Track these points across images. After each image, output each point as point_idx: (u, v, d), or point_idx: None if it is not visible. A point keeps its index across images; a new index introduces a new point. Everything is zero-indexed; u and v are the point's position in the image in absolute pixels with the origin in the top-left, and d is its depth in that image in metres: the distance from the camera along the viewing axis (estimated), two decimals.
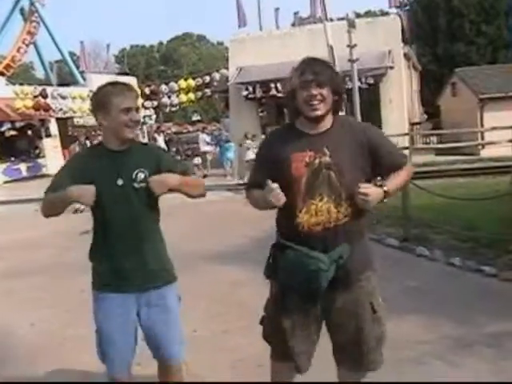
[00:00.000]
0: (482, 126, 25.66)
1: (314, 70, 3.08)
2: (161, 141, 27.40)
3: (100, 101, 3.37)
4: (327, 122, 3.18)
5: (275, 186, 3.01)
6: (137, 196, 3.37)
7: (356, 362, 3.35)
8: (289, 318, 3.30)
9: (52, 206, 3.43)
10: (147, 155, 3.47)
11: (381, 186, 3.08)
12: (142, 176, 3.37)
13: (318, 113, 3.09)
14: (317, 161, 3.08)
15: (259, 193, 3.18)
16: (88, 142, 14.40)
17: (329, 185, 3.10)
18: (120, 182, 3.36)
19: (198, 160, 24.41)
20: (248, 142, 22.15)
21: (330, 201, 3.11)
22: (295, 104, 3.16)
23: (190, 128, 46.42)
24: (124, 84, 3.43)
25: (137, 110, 3.40)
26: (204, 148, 24.54)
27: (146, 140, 28.69)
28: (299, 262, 3.09)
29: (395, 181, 3.20)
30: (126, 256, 3.42)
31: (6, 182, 28.20)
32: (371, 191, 3.01)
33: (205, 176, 22.41)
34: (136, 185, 3.36)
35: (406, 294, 6.55)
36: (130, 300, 3.47)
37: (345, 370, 3.44)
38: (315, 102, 3.07)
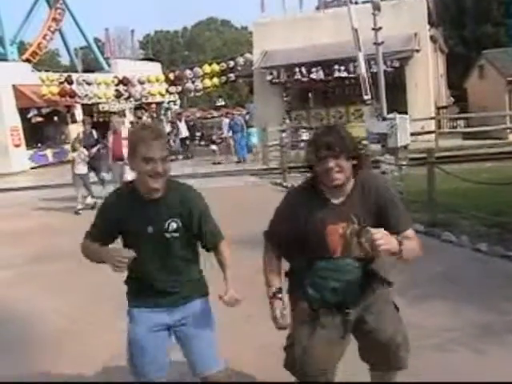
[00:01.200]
0: (510, 109, 25.27)
1: (327, 143, 3.14)
2: (182, 127, 27.22)
3: (130, 146, 3.32)
4: (349, 187, 3.27)
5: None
6: (168, 244, 3.38)
7: (387, 362, 3.45)
8: (321, 337, 3.35)
9: (91, 257, 3.57)
10: (181, 202, 3.40)
11: (400, 242, 3.04)
12: (174, 226, 3.36)
13: (338, 182, 3.19)
14: (348, 231, 3.09)
15: (272, 266, 3.53)
16: (94, 130, 14.54)
17: (361, 249, 3.09)
18: (150, 229, 3.35)
19: (214, 146, 24.66)
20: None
21: (361, 262, 3.26)
22: (315, 173, 3.27)
23: (215, 113, 46.36)
24: (152, 131, 3.28)
25: (163, 159, 3.24)
26: (228, 133, 24.48)
27: (168, 127, 28.66)
28: (330, 274, 3.26)
29: (410, 244, 3.15)
30: (155, 276, 3.45)
31: (32, 168, 28.46)
32: (388, 239, 2.97)
33: (218, 163, 22.95)
34: (167, 235, 3.35)
35: (431, 279, 6.49)
36: (161, 316, 3.50)
37: (377, 372, 3.56)
38: (333, 174, 3.15)
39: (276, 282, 3.44)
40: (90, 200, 13.95)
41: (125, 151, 11.39)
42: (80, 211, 13.36)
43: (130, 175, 10.38)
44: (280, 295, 3.39)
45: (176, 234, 3.37)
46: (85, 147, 14.12)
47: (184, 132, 27.28)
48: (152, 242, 3.36)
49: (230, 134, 23.87)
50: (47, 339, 5.83)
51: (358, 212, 3.18)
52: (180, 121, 27.64)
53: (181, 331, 3.53)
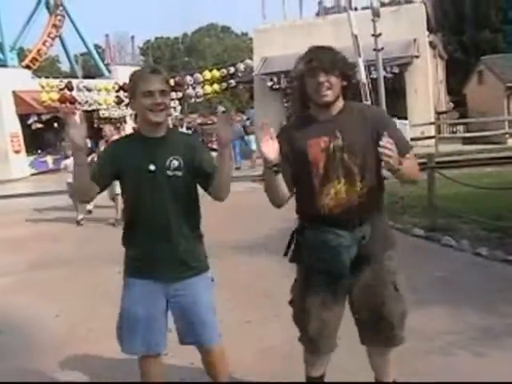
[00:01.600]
0: (509, 114, 25.36)
1: (319, 57, 3.15)
2: None
3: (129, 87, 3.42)
4: (337, 107, 3.26)
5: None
6: (170, 183, 3.34)
7: (382, 338, 3.44)
8: (313, 300, 3.37)
9: (78, 179, 3.34)
10: (183, 144, 3.43)
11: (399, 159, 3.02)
12: (175, 164, 3.35)
13: (328, 99, 3.17)
14: (331, 145, 3.14)
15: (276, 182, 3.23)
16: (88, 139, 13.59)
17: (343, 167, 3.18)
18: (152, 167, 3.33)
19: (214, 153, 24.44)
20: None
21: (347, 182, 3.19)
22: (304, 90, 3.24)
23: (215, 119, 46.42)
24: (149, 67, 3.43)
25: (162, 93, 3.31)
26: None
27: None
28: (321, 239, 3.19)
29: (408, 163, 3.14)
30: (155, 243, 3.40)
31: (33, 175, 28.48)
32: (394, 150, 2.93)
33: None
34: (169, 172, 3.33)
35: (432, 284, 6.50)
36: (158, 288, 3.46)
37: (373, 347, 3.55)
38: (323, 89, 3.14)
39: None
40: (89, 206, 13.64)
41: None
42: (82, 221, 12.75)
43: (118, 187, 10.25)
44: None
45: (178, 173, 3.36)
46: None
47: None
48: (153, 181, 3.34)
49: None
50: (47, 346, 5.81)
51: (344, 129, 3.16)
52: (182, 126, 27.65)
53: (176, 304, 3.50)
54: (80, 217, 12.75)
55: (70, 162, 12.54)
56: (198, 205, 3.57)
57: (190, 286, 3.48)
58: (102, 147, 12.49)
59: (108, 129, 12.99)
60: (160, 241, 3.40)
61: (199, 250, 3.59)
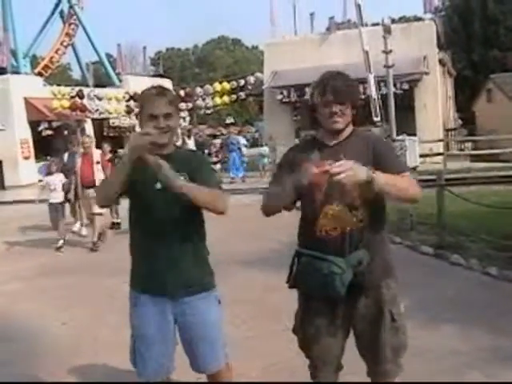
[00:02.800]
0: None
1: (334, 88, 3.20)
2: (191, 144, 26.76)
3: (138, 106, 3.45)
4: (345, 133, 3.32)
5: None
6: (175, 200, 3.31)
7: (371, 370, 3.42)
8: (312, 326, 3.36)
9: (110, 186, 3.40)
10: (189, 161, 3.44)
11: (368, 169, 3.02)
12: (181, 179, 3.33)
13: (339, 126, 3.25)
14: (331, 163, 3.11)
15: (279, 188, 3.29)
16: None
17: (344, 191, 3.15)
18: (158, 185, 3.32)
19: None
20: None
21: (346, 206, 3.19)
22: (316, 116, 3.33)
23: (224, 131, 46.51)
24: (156, 89, 3.39)
25: (166, 116, 3.31)
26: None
27: (179, 142, 28.64)
28: (312, 266, 3.19)
29: (390, 176, 3.10)
30: (161, 259, 3.39)
31: (41, 181, 28.51)
32: (351, 164, 2.93)
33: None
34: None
35: (440, 302, 6.47)
36: (166, 307, 3.45)
37: (369, 376, 3.50)
38: (336, 117, 3.22)
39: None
40: (77, 226, 12.86)
41: (98, 177, 10.71)
42: (62, 249, 11.06)
43: (97, 208, 10.01)
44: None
45: None
46: (63, 172, 11.90)
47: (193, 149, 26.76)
48: (159, 199, 3.35)
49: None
50: (53, 353, 5.82)
51: (349, 154, 3.13)
52: (189, 138, 27.44)
53: (183, 325, 3.49)
54: (60, 243, 11.10)
55: (52, 179, 11.55)
56: (203, 220, 3.57)
57: (198, 304, 3.47)
58: (78, 160, 11.49)
59: (86, 141, 11.53)
60: (167, 257, 3.40)
61: (205, 266, 3.58)
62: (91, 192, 10.33)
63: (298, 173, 3.13)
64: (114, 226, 12.77)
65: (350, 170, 2.90)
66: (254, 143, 32.00)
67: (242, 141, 24.98)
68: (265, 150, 23.78)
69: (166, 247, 3.40)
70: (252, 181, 22.37)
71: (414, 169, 16.46)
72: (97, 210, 10.38)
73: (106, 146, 13.95)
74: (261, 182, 21.44)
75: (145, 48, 47.02)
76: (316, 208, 3.23)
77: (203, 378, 3.77)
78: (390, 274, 3.36)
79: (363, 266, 3.16)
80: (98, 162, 11.06)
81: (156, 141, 3.25)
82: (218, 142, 25.12)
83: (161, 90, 3.39)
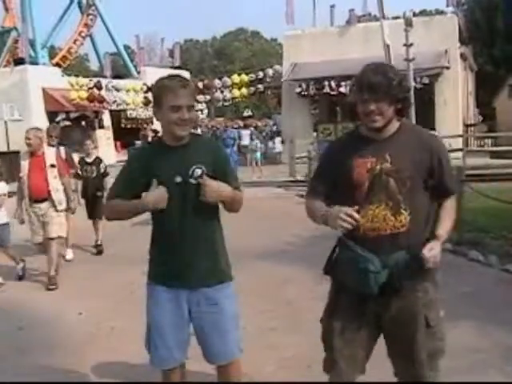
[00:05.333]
0: None
1: (370, 85, 3.04)
2: None
3: (155, 96, 3.37)
4: (392, 128, 3.17)
5: (348, 209, 3.00)
6: (193, 192, 3.32)
7: (406, 374, 3.30)
8: (339, 318, 3.27)
9: (121, 215, 3.51)
10: (205, 151, 3.40)
11: (437, 239, 3.09)
12: (198, 172, 3.32)
13: (377, 124, 3.10)
14: (378, 167, 3.08)
15: (319, 205, 3.23)
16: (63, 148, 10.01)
17: (387, 192, 3.09)
18: (178, 179, 3.32)
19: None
20: None
21: (387, 208, 3.10)
22: (357, 113, 3.19)
23: (242, 123, 46.55)
24: (179, 80, 3.34)
25: (189, 108, 3.28)
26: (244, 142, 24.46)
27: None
28: (351, 259, 3.10)
29: (445, 223, 3.19)
30: (181, 251, 3.41)
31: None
32: (435, 252, 3.01)
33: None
34: (193, 180, 3.31)
35: (458, 299, 6.38)
36: (181, 297, 3.45)
37: (398, 375, 3.39)
38: (373, 116, 3.08)
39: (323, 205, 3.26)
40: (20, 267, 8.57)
41: (53, 186, 8.00)
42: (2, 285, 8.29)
43: (55, 230, 7.98)
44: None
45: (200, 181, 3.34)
46: None
47: None
48: (179, 192, 3.33)
49: (249, 143, 23.42)
50: (69, 343, 5.83)
51: (395, 153, 3.09)
52: (196, 129, 26.45)
53: (198, 315, 3.48)
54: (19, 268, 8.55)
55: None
56: (219, 211, 3.55)
57: (213, 295, 3.47)
58: (25, 163, 8.22)
59: (33, 135, 8.19)
60: (185, 249, 3.41)
61: (223, 258, 3.57)
62: (44, 208, 7.97)
63: (331, 215, 3.07)
64: (98, 247, 10.21)
65: (435, 257, 2.99)
66: (272, 136, 31.94)
67: (246, 134, 24.65)
68: (256, 143, 23.20)
69: (185, 240, 3.40)
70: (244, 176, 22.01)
71: None
72: (54, 232, 7.98)
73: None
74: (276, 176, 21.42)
75: (163, 39, 47.06)
76: (357, 206, 3.10)
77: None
78: (429, 278, 3.22)
79: (400, 268, 3.08)
80: (52, 166, 8.05)
81: (179, 133, 3.29)
82: (246, 132, 24.74)
83: (184, 81, 3.35)
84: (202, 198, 3.27)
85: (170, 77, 3.39)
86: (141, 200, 3.31)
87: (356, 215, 2.98)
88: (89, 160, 10.57)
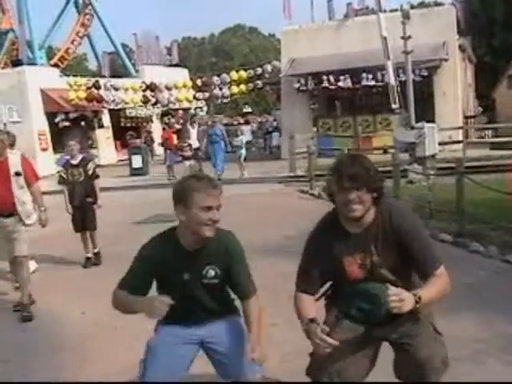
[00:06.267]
0: None
1: (350, 175, 3.12)
2: (194, 133, 24.11)
3: (181, 195, 3.31)
4: (369, 217, 3.26)
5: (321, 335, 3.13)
6: (203, 290, 3.41)
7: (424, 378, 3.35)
8: (341, 340, 3.27)
9: (123, 308, 3.54)
10: (222, 251, 3.42)
11: (414, 294, 3.05)
12: (212, 273, 3.40)
13: (356, 214, 3.18)
14: (368, 261, 3.19)
15: (305, 312, 3.38)
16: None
17: (381, 279, 3.20)
18: (186, 276, 3.38)
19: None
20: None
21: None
22: (335, 202, 3.29)
23: (241, 120, 46.53)
24: (209, 180, 3.37)
25: (218, 208, 3.31)
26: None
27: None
28: (360, 288, 3.17)
29: (430, 290, 3.16)
30: (188, 312, 3.50)
31: (59, 172, 28.65)
32: (404, 296, 3.00)
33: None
34: (205, 280, 3.38)
35: (459, 290, 6.33)
36: (189, 331, 3.53)
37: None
38: (353, 205, 3.15)
39: (309, 313, 3.34)
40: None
41: (19, 196, 6.90)
42: None
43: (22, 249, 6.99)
44: (315, 321, 3.27)
45: (214, 281, 3.41)
46: None
47: (194, 140, 23.02)
48: (187, 287, 3.39)
49: (250, 138, 23.19)
50: (72, 343, 5.85)
51: (376, 243, 3.19)
52: (193, 126, 25.14)
53: (211, 346, 3.54)
54: None
55: None
56: (230, 296, 3.66)
57: (221, 328, 3.56)
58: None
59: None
60: (194, 323, 3.54)
61: (234, 305, 3.72)
62: (10, 223, 6.86)
63: (309, 333, 3.22)
64: (89, 260, 9.39)
65: (401, 305, 2.97)
66: (267, 133, 32.08)
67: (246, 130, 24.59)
68: (241, 139, 22.58)
69: (196, 320, 3.53)
70: (261, 171, 22.13)
71: (433, 156, 16.31)
72: (24, 250, 7.02)
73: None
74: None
75: (157, 37, 46.94)
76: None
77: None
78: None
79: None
80: (17, 174, 6.90)
81: (208, 234, 3.30)
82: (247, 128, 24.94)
83: (214, 182, 3.39)
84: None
85: (198, 177, 3.41)
86: (141, 302, 3.32)
87: (329, 340, 3.08)
88: (74, 162, 9.46)
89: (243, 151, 21.74)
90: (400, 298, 2.96)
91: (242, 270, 3.52)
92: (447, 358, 3.35)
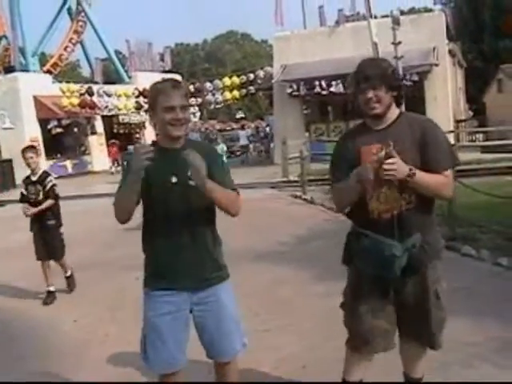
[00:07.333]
0: None
1: (367, 75, 3.37)
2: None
3: (149, 100, 3.47)
4: (391, 116, 3.47)
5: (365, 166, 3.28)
6: (191, 193, 3.34)
7: (421, 338, 3.64)
8: (365, 303, 3.53)
9: (121, 202, 3.39)
10: (202, 154, 3.37)
11: (410, 168, 3.24)
12: None
13: (377, 111, 3.40)
14: (383, 152, 3.26)
15: (344, 182, 3.42)
16: None
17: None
18: (174, 179, 3.36)
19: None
20: None
21: (395, 189, 3.36)
22: (358, 105, 3.47)
23: (234, 125, 46.55)
24: (171, 82, 3.42)
25: (183, 108, 3.34)
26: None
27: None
28: (375, 248, 3.32)
29: (428, 176, 3.31)
30: (177, 253, 3.41)
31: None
32: (399, 164, 3.20)
33: None
34: (192, 182, 3.30)
35: (451, 294, 6.29)
36: (182, 298, 3.46)
37: (408, 341, 3.70)
38: (372, 104, 3.38)
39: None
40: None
41: None
42: None
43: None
44: None
45: None
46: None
47: None
48: (176, 193, 3.37)
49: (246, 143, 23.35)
50: (64, 350, 5.85)
51: (397, 138, 3.31)
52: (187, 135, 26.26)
53: (201, 312, 3.51)
54: None
55: None
56: (215, 213, 3.58)
57: (214, 293, 3.50)
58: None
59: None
60: (182, 249, 3.42)
61: (220, 257, 3.61)
62: None
63: (360, 169, 3.29)
64: (51, 295, 7.73)
65: (392, 169, 3.18)
66: (264, 138, 32.18)
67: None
68: (222, 147, 22.80)
69: (182, 242, 3.42)
70: (256, 176, 22.01)
71: None
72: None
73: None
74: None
75: (150, 44, 46.87)
76: (367, 190, 3.38)
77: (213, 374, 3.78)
78: (438, 256, 3.56)
79: (416, 249, 3.35)
80: None
81: (174, 134, 3.36)
82: (242, 132, 24.94)
83: (176, 83, 3.45)
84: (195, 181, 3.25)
85: (163, 80, 3.48)
86: (130, 170, 3.27)
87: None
88: (34, 178, 7.77)
89: (224, 158, 21.77)
90: (394, 164, 3.18)
91: (224, 173, 3.52)
92: (443, 318, 3.63)
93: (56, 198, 7.84)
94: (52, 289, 7.73)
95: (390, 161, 3.18)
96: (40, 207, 7.63)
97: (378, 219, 3.39)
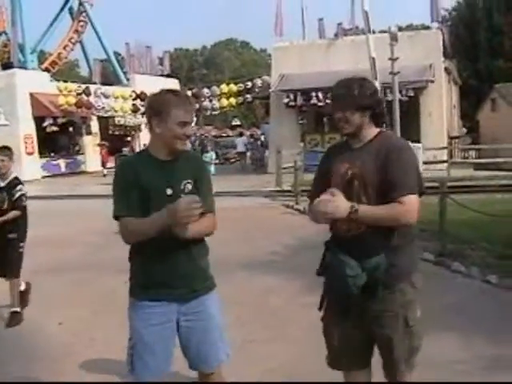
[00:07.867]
0: None
1: (335, 95, 3.43)
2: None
3: (158, 107, 3.34)
4: (367, 135, 3.39)
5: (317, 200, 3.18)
6: None
7: (385, 366, 3.48)
8: (330, 316, 3.48)
9: (138, 233, 3.35)
10: (193, 167, 3.45)
11: (352, 206, 3.11)
12: (189, 187, 3.38)
13: (346, 131, 3.40)
14: (349, 172, 3.27)
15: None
16: None
17: (357, 194, 3.25)
18: (169, 191, 3.34)
19: None
20: None
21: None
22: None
23: (230, 132, 46.55)
24: (186, 96, 3.46)
25: (191, 123, 3.43)
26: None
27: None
28: (333, 263, 3.28)
29: (376, 209, 3.17)
30: (167, 263, 3.39)
31: (44, 177, 28.60)
32: (340, 203, 3.11)
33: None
34: (183, 195, 3.31)
35: (440, 310, 6.43)
36: (170, 308, 3.44)
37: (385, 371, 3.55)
38: (341, 123, 3.37)
39: None
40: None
41: None
42: None
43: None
44: None
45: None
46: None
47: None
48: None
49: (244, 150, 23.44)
50: (49, 354, 5.78)
51: (365, 159, 3.27)
52: None
53: (187, 324, 3.48)
54: None
55: None
56: None
57: (203, 303, 3.50)
58: None
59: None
60: (173, 260, 3.40)
61: (208, 267, 3.61)
62: None
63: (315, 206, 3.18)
64: (16, 316, 6.79)
65: (330, 210, 3.09)
66: (261, 146, 32.31)
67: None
68: (210, 155, 22.94)
69: (173, 252, 3.38)
70: (250, 184, 22.19)
71: None
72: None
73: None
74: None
75: (149, 47, 46.92)
76: None
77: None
78: (405, 279, 3.32)
79: (380, 272, 3.18)
80: None
81: (181, 148, 3.37)
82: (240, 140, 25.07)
83: (190, 98, 3.52)
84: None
85: (175, 92, 3.45)
86: (161, 214, 3.21)
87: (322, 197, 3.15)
88: (1, 183, 6.84)
89: (212, 168, 22.50)
90: (328, 205, 3.09)
91: (209, 190, 3.52)
92: (415, 348, 3.38)
93: (23, 209, 6.92)
94: (16, 309, 6.85)
95: (324, 199, 3.11)
96: (2, 218, 6.71)
97: (344, 236, 3.29)
